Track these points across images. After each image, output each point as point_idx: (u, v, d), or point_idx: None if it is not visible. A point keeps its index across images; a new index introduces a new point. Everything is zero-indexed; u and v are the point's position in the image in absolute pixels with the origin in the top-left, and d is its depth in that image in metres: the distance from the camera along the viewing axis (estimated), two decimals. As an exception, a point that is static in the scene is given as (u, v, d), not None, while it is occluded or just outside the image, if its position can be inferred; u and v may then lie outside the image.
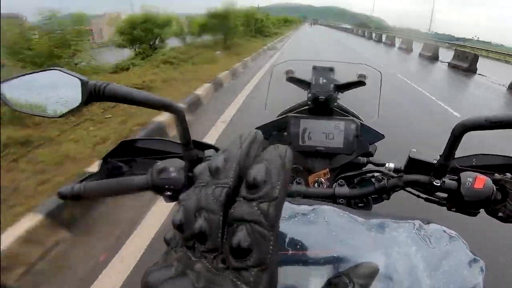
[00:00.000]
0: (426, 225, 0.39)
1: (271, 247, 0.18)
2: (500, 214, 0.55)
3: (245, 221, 0.18)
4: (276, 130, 0.77)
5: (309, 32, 36.32)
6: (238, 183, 0.19)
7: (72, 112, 0.47)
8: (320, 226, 0.37)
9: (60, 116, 0.48)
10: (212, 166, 0.20)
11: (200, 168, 0.22)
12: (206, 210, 0.19)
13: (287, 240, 0.35)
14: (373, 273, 0.26)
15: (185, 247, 0.19)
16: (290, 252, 0.34)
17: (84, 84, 0.44)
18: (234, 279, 0.17)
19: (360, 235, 0.36)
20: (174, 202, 0.58)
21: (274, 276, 0.19)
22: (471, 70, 10.18)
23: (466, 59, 10.59)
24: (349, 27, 49.90)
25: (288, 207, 0.39)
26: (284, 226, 0.36)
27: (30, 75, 0.47)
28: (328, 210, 0.39)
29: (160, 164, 0.55)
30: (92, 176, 0.57)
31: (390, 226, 0.38)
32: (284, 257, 0.33)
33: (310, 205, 0.40)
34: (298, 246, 0.34)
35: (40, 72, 0.47)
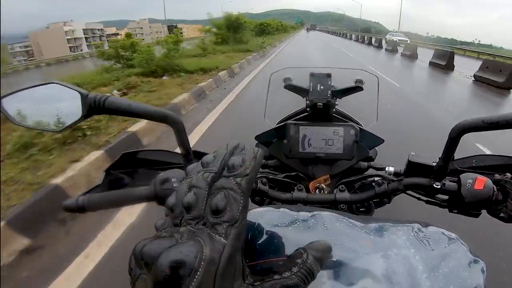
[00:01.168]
0: (424, 228, 0.39)
1: (240, 208, 0.24)
2: (501, 214, 0.54)
3: (224, 188, 0.24)
4: (275, 138, 0.78)
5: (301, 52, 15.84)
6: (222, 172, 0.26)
7: (73, 125, 0.47)
8: (319, 232, 0.37)
9: (61, 131, 0.48)
10: (203, 161, 0.27)
11: (190, 166, 0.28)
12: (195, 187, 0.25)
13: (288, 245, 0.35)
14: (326, 249, 0.30)
15: (172, 224, 0.25)
16: None
17: (84, 97, 0.45)
18: (210, 232, 0.23)
19: (359, 239, 0.36)
20: None
21: (242, 233, 0.24)
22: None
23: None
24: (405, 38, 30.48)
25: (288, 214, 0.39)
26: (284, 233, 0.37)
27: (29, 89, 0.47)
28: (327, 216, 0.39)
29: (162, 175, 0.55)
30: (95, 188, 0.57)
31: (388, 230, 0.38)
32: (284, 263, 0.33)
33: (310, 212, 0.40)
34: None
35: (39, 86, 0.47)
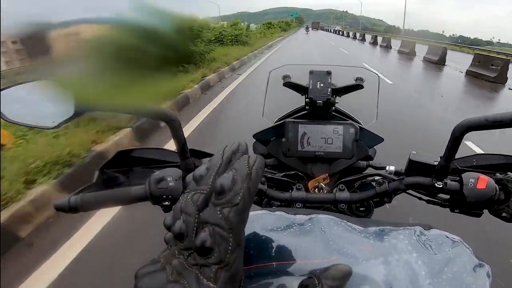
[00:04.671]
0: (427, 231, 0.38)
1: (230, 248, 0.20)
2: (504, 214, 0.54)
3: (209, 223, 0.21)
4: (274, 136, 0.76)
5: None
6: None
7: (66, 122, 0.46)
8: (317, 236, 0.36)
9: (54, 127, 0.47)
10: (196, 174, 0.23)
11: (189, 176, 0.25)
12: (185, 213, 0.22)
13: (284, 250, 0.34)
14: (345, 275, 0.26)
15: (174, 245, 0.23)
16: (288, 262, 0.33)
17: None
18: (198, 274, 0.20)
19: (358, 244, 0.35)
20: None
21: (236, 274, 0.21)
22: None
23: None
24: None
25: (284, 218, 0.38)
26: (281, 237, 0.36)
27: (20, 85, 0.46)
28: (325, 219, 0.38)
29: (157, 174, 0.54)
30: (88, 187, 0.56)
31: (389, 234, 0.37)
32: (281, 267, 0.32)
33: (307, 214, 0.39)
34: (295, 256, 0.33)
35: (31, 82, 0.46)
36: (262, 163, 0.23)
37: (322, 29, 77.61)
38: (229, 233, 0.20)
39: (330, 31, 63.48)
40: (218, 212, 0.20)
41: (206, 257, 0.20)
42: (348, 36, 36.17)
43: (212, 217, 0.21)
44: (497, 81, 8.17)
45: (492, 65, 8.52)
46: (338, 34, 46.84)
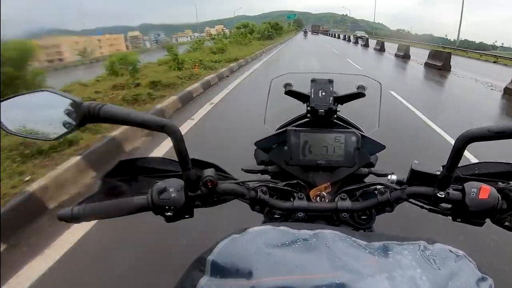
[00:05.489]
0: (431, 245, 0.38)
1: None
2: (506, 223, 0.54)
3: None
4: (276, 144, 0.76)
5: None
6: None
7: (66, 134, 0.46)
8: (321, 251, 0.36)
9: (54, 139, 0.47)
10: None
11: None
12: None
13: (288, 265, 0.34)
14: None
15: None
16: (292, 277, 0.33)
17: (77, 105, 0.44)
18: None
19: (363, 259, 0.35)
20: (175, 222, 0.57)
21: None
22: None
23: None
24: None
25: (289, 232, 0.38)
26: (285, 252, 0.36)
27: (20, 96, 0.46)
28: (329, 234, 0.38)
29: (160, 184, 0.54)
30: (91, 197, 0.56)
31: (393, 249, 0.37)
32: (285, 282, 0.32)
33: (311, 230, 0.39)
34: (299, 272, 0.33)
35: (31, 93, 0.46)
36: None
37: (326, 34, 66.34)
38: None
39: (337, 36, 49.38)
40: None
41: None
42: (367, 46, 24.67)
43: None
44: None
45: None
46: (355, 43, 29.99)
